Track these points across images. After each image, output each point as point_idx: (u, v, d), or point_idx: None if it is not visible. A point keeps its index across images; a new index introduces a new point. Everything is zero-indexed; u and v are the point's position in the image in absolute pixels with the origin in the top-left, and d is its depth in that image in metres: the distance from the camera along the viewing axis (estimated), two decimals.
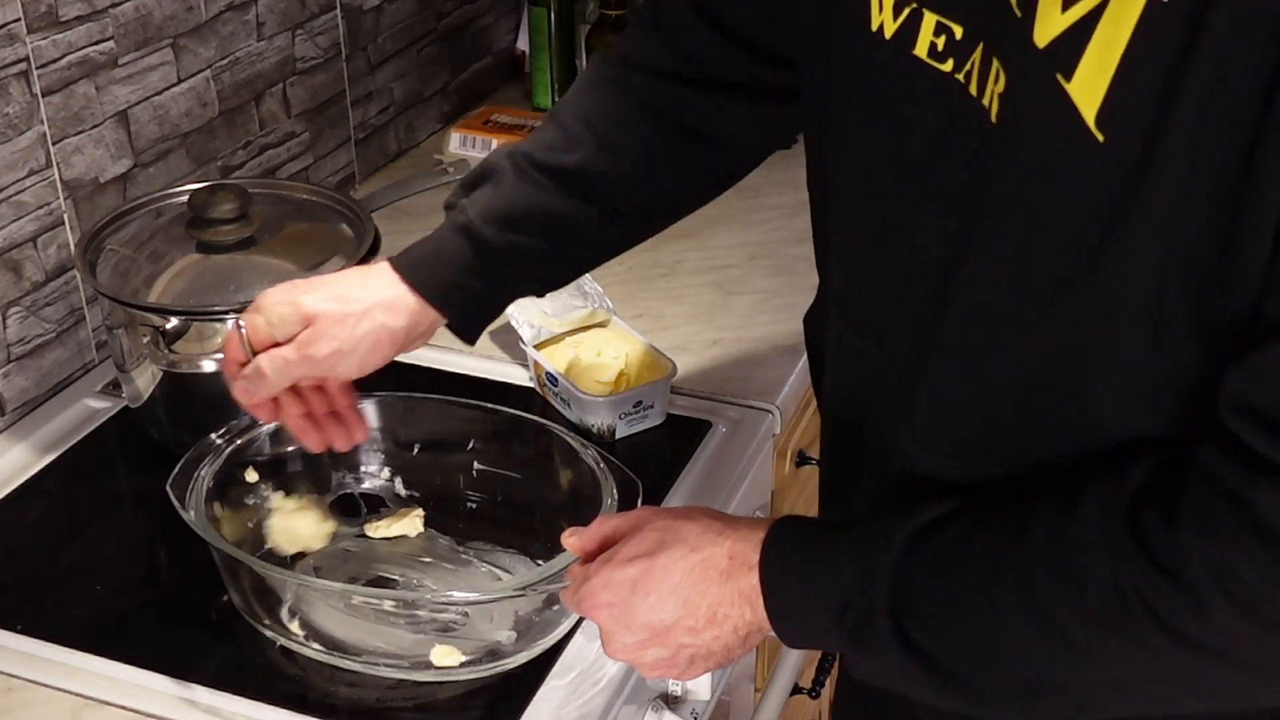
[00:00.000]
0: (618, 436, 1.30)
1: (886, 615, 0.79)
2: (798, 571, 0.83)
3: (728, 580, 0.84)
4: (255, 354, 1.01)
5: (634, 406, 1.29)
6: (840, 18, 0.85)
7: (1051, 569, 0.75)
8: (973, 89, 0.76)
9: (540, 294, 1.10)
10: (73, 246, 1.35)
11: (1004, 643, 0.77)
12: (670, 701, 1.13)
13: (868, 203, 0.89)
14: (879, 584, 0.79)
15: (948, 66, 0.78)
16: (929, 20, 0.78)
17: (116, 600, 1.13)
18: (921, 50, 0.79)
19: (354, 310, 1.00)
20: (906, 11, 0.79)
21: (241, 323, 1.01)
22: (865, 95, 0.85)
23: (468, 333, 1.06)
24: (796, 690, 1.56)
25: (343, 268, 1.26)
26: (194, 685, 1.03)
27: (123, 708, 1.02)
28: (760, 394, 1.38)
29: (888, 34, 0.81)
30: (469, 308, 1.05)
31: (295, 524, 1.15)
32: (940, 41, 0.78)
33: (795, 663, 1.49)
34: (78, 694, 1.03)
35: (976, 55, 0.76)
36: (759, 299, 1.55)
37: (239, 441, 1.13)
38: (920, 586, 0.79)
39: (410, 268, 1.03)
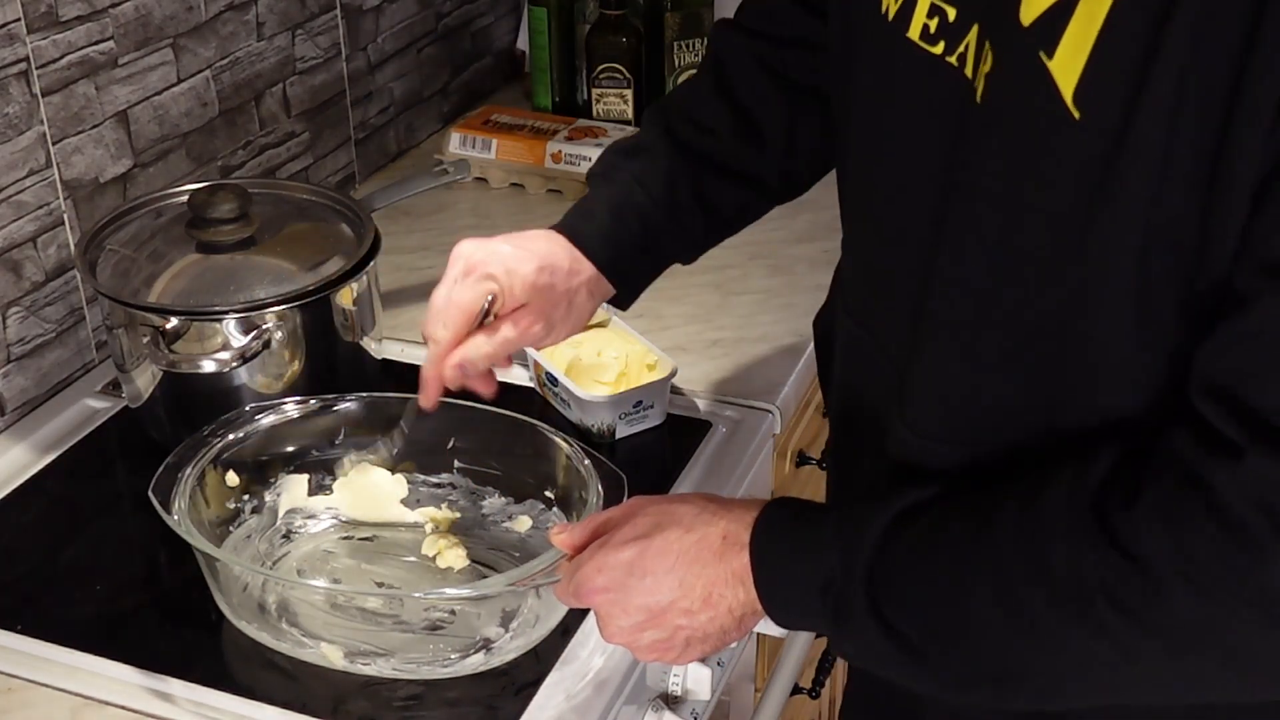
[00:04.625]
0: (618, 436, 1.30)
1: (864, 595, 0.79)
2: (785, 551, 0.84)
3: (721, 561, 0.85)
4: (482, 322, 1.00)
5: (634, 406, 1.29)
6: (861, 2, 0.85)
7: (1017, 553, 0.75)
8: (967, 71, 0.76)
9: (688, 263, 1.13)
10: (73, 246, 1.35)
11: (973, 626, 0.77)
12: (670, 701, 1.13)
13: (867, 190, 0.89)
14: (859, 564, 0.80)
15: (938, 49, 0.78)
16: (924, 2, 0.79)
17: (116, 600, 1.13)
18: (914, 33, 0.80)
19: (569, 288, 1.02)
20: None
21: (490, 302, 0.99)
22: (867, 80, 0.86)
23: (626, 302, 1.10)
24: (796, 690, 1.55)
25: (342, 267, 1.26)
26: (194, 685, 1.03)
27: (123, 708, 1.02)
28: (760, 394, 1.38)
29: (890, 16, 0.82)
30: (636, 282, 1.09)
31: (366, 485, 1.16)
32: (933, 24, 0.78)
33: (795, 663, 1.49)
34: (78, 694, 1.03)
35: (971, 37, 0.76)
36: (759, 299, 1.55)
37: (219, 444, 1.12)
38: (897, 568, 0.79)
39: (595, 249, 1.04)
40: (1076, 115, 0.69)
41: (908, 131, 0.82)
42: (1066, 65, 0.69)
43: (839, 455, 1.04)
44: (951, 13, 0.77)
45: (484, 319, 0.99)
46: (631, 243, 1.05)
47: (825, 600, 0.81)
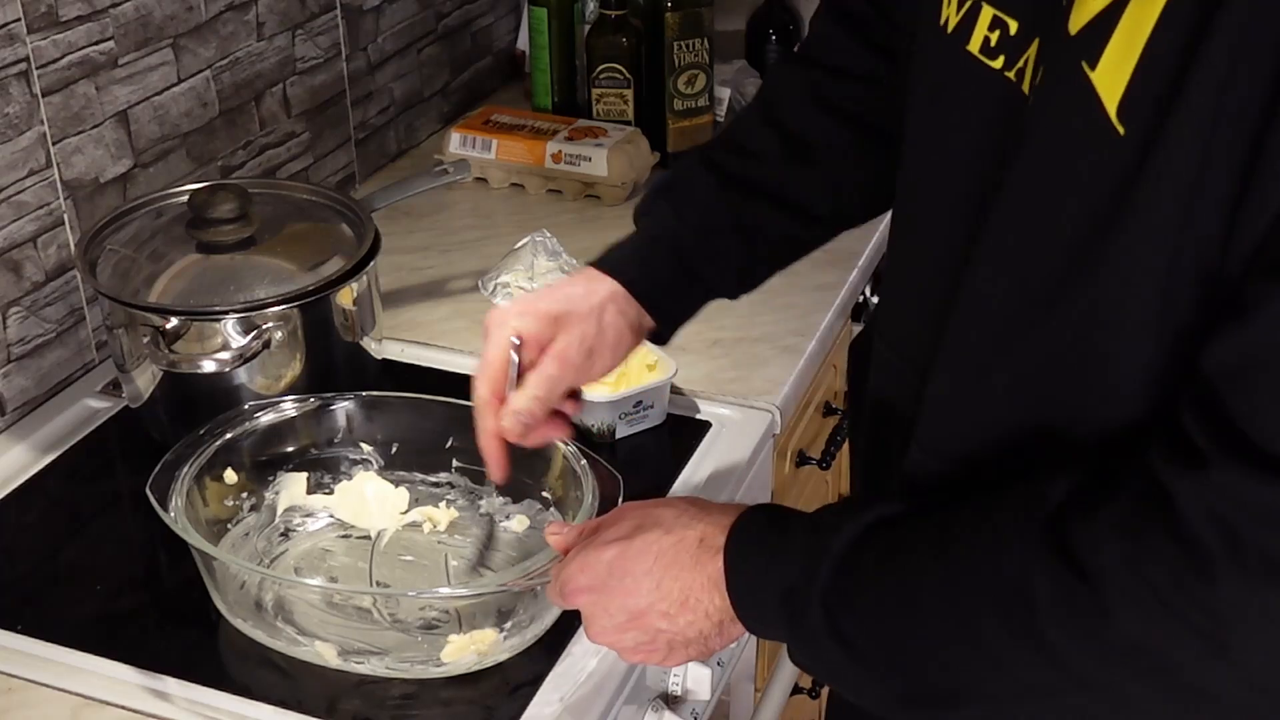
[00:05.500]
0: (618, 436, 1.30)
1: (820, 605, 0.79)
2: (754, 557, 0.83)
3: (697, 565, 0.85)
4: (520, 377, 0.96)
5: (634, 406, 1.29)
6: (923, 13, 0.84)
7: (968, 566, 0.74)
8: (1024, 87, 0.74)
9: (735, 297, 1.08)
10: (73, 246, 1.35)
11: (921, 642, 0.76)
12: (670, 701, 1.13)
13: (913, 209, 0.88)
14: (820, 575, 0.79)
15: (998, 64, 0.76)
16: (986, 14, 0.77)
17: (116, 600, 1.13)
18: (975, 46, 0.78)
19: (592, 306, 0.98)
20: (968, 4, 0.78)
21: (514, 347, 0.95)
22: (921, 95, 0.85)
23: (666, 336, 1.05)
24: (796, 690, 1.56)
25: (342, 268, 1.26)
26: (193, 685, 1.03)
27: (123, 708, 1.02)
28: (760, 394, 1.38)
29: (949, 29, 0.80)
30: (673, 311, 1.04)
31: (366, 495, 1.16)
32: (994, 37, 0.76)
33: None
34: (78, 694, 1.03)
35: (1032, 52, 0.74)
36: (759, 299, 1.53)
37: (219, 443, 1.13)
38: (856, 582, 0.79)
39: (620, 269, 1.01)
40: (1121, 131, 0.66)
41: (959, 149, 0.80)
42: (1110, 77, 0.67)
43: (869, 475, 1.03)
44: (1014, 26, 0.75)
45: (520, 370, 0.96)
46: (662, 266, 1.02)
47: (785, 608, 0.81)
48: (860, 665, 0.79)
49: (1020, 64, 0.75)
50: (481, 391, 0.97)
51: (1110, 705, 0.72)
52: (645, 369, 1.33)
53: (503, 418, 0.96)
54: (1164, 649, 0.68)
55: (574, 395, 1.01)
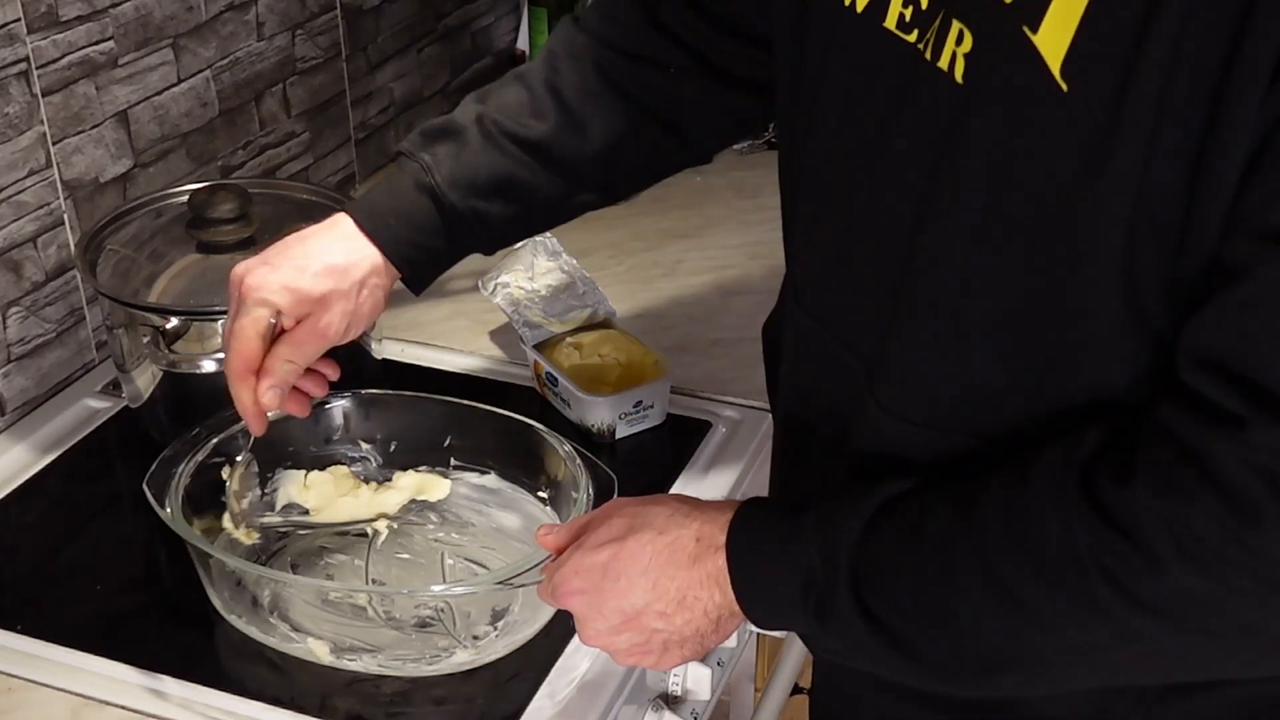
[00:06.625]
0: (618, 436, 1.30)
1: (848, 589, 0.79)
2: (763, 550, 0.83)
3: (695, 563, 0.84)
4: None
5: (634, 406, 1.29)
6: (815, 3, 0.85)
7: (1005, 536, 0.74)
8: (928, 54, 0.76)
9: (489, 253, 1.11)
10: (73, 246, 1.35)
11: (961, 613, 0.76)
12: (670, 701, 1.12)
13: (831, 182, 0.89)
14: (841, 558, 0.79)
15: (912, 37, 0.78)
16: None
17: (116, 600, 1.13)
18: (890, 22, 0.79)
19: (354, 281, 1.02)
20: None
21: (273, 319, 1.00)
22: (835, 72, 0.86)
23: (418, 288, 1.08)
24: (797, 690, 1.56)
25: None
26: (193, 685, 1.03)
27: (123, 708, 1.02)
28: (760, 394, 1.37)
29: (859, 8, 0.81)
30: (426, 267, 1.07)
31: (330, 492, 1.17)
32: (908, 12, 0.78)
33: (795, 663, 1.49)
34: (78, 694, 1.03)
35: (936, 22, 0.76)
36: (759, 299, 1.54)
37: (215, 440, 1.13)
38: (881, 560, 0.78)
39: (375, 225, 1.04)
40: (1065, 88, 0.68)
41: (881, 121, 0.81)
42: (1053, 38, 0.68)
43: (786, 457, 1.03)
44: (925, 0, 0.77)
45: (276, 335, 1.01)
46: (421, 222, 1.04)
47: (807, 598, 0.80)
48: (897, 644, 0.78)
49: (930, 35, 0.77)
50: (235, 365, 1.00)
51: (1162, 655, 0.74)
52: (645, 369, 1.33)
53: (260, 391, 1.00)
54: (1219, 596, 0.69)
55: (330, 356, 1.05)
